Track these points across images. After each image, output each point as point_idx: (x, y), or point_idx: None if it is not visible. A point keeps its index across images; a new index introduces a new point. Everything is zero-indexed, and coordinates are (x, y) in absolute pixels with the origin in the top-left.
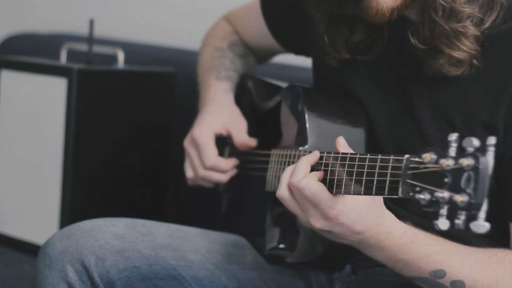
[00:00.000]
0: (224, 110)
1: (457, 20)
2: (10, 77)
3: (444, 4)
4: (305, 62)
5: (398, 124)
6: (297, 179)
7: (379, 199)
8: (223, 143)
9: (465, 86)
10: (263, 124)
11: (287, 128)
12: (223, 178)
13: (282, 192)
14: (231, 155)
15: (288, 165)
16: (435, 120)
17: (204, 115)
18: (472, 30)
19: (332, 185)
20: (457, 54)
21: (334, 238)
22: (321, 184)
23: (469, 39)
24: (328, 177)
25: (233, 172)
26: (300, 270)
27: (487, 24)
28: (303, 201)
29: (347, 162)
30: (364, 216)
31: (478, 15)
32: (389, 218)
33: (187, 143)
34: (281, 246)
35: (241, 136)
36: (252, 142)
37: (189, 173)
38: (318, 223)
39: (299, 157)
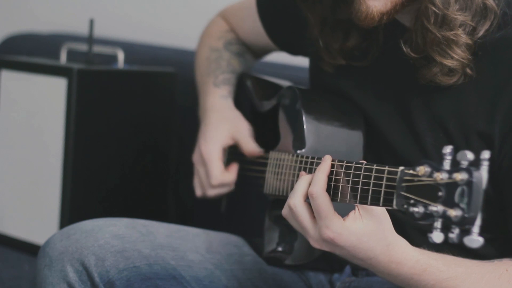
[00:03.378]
0: (226, 118)
1: (449, 28)
2: (10, 77)
3: (437, 11)
4: (305, 62)
5: (394, 132)
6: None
7: (387, 226)
8: None
9: (460, 94)
10: (262, 125)
11: (285, 130)
12: (230, 189)
13: (294, 201)
14: (230, 155)
15: (286, 169)
16: (431, 128)
17: (208, 128)
18: (464, 38)
19: (329, 191)
20: (449, 62)
21: (342, 257)
22: (327, 196)
23: (460, 47)
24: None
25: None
26: (299, 271)
27: (481, 33)
28: (305, 217)
29: (343, 170)
30: (366, 243)
31: (471, 23)
32: (400, 247)
33: (196, 160)
34: (280, 249)
35: (249, 144)
36: (260, 151)
37: (198, 191)
38: (316, 244)
39: (296, 161)
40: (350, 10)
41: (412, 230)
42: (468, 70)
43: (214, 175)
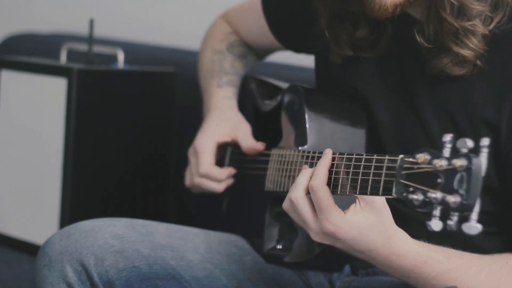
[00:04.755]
0: (226, 117)
1: (467, 18)
2: (10, 77)
3: (453, 1)
4: (305, 62)
5: (402, 122)
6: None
7: (388, 218)
8: (225, 145)
9: (469, 84)
10: (265, 124)
11: (288, 128)
12: (217, 187)
13: (296, 194)
14: (232, 155)
15: (288, 165)
16: (438, 118)
17: (207, 124)
18: (481, 29)
19: (329, 184)
20: (465, 52)
21: (343, 250)
22: (328, 189)
23: (477, 37)
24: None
25: (229, 181)
26: (299, 270)
27: (493, 24)
28: (306, 210)
29: (343, 162)
30: (367, 236)
31: (488, 13)
32: (400, 239)
33: (190, 152)
34: (279, 246)
35: (248, 140)
36: (260, 146)
37: (186, 180)
38: (317, 237)
39: (298, 157)
40: (363, 2)
41: (414, 222)
42: (478, 61)
43: (203, 163)
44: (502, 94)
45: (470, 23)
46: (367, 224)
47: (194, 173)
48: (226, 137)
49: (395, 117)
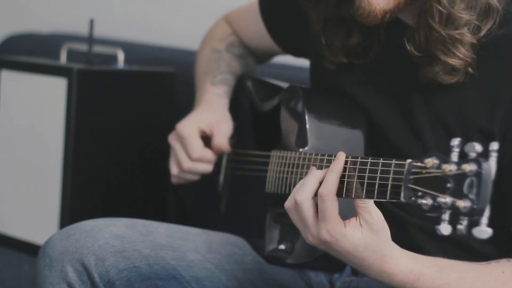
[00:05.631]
0: (213, 110)
1: (454, 27)
2: (10, 77)
3: (442, 9)
4: (305, 62)
5: (394, 129)
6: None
7: (384, 239)
8: None
9: (461, 92)
10: (263, 125)
11: (287, 129)
12: (209, 168)
13: (302, 196)
14: (228, 156)
15: (289, 167)
16: (431, 125)
17: (192, 113)
18: (469, 37)
19: None
20: (453, 61)
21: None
22: (336, 199)
23: (465, 46)
24: None
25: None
26: (300, 270)
27: (483, 32)
28: (309, 214)
29: (348, 166)
30: (361, 253)
31: (476, 22)
32: (393, 259)
33: (172, 138)
34: (281, 247)
35: (220, 138)
36: (227, 149)
37: (173, 169)
38: (313, 241)
39: (299, 159)
40: (353, 8)
41: (412, 228)
42: (470, 69)
43: (194, 148)
44: (494, 101)
45: (458, 31)
46: (364, 243)
47: (183, 159)
48: (206, 127)
49: (388, 123)
